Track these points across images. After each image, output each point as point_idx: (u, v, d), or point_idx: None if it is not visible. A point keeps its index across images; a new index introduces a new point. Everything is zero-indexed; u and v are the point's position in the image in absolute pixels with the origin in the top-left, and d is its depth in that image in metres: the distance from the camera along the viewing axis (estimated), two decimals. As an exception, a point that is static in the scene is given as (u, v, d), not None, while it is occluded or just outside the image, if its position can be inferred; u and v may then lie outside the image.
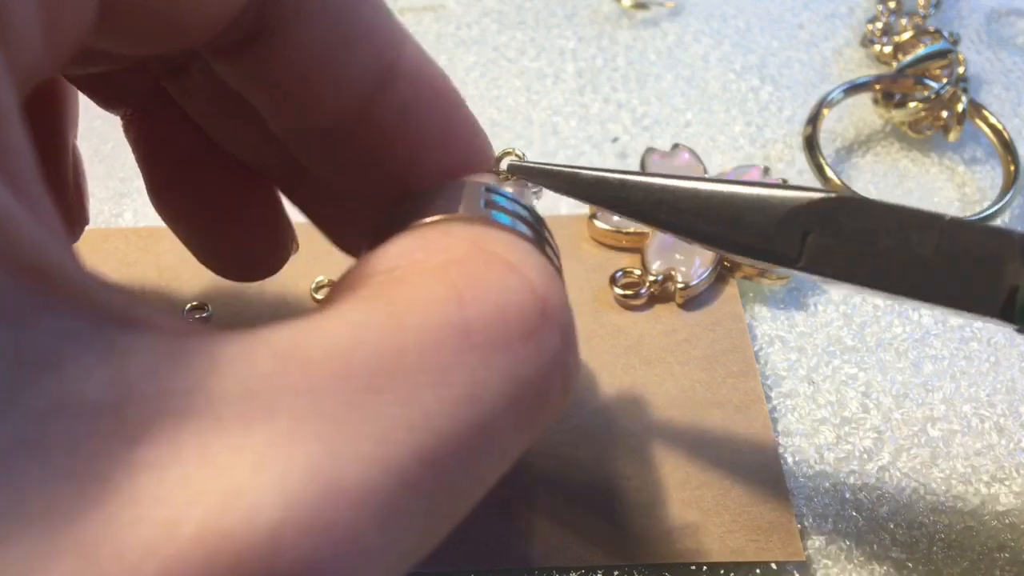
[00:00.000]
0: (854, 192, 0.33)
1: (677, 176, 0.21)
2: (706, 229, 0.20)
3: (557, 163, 0.21)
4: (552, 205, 0.34)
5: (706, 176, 0.20)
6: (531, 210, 0.19)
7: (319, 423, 0.12)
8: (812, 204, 0.20)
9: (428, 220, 0.17)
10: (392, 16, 0.20)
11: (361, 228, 0.21)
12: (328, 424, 0.12)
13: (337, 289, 0.16)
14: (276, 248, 0.25)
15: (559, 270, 0.19)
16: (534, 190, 0.21)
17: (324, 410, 0.12)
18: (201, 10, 0.17)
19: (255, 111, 0.20)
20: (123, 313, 0.12)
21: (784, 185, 0.20)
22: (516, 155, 0.21)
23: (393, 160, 0.20)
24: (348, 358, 0.13)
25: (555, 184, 0.21)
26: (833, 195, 0.20)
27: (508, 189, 0.19)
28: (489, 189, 0.19)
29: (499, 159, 0.21)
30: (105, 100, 0.24)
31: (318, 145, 0.20)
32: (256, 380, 0.12)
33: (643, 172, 0.21)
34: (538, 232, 0.19)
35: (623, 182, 0.21)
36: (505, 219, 0.18)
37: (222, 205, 0.24)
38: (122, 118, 0.24)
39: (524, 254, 0.16)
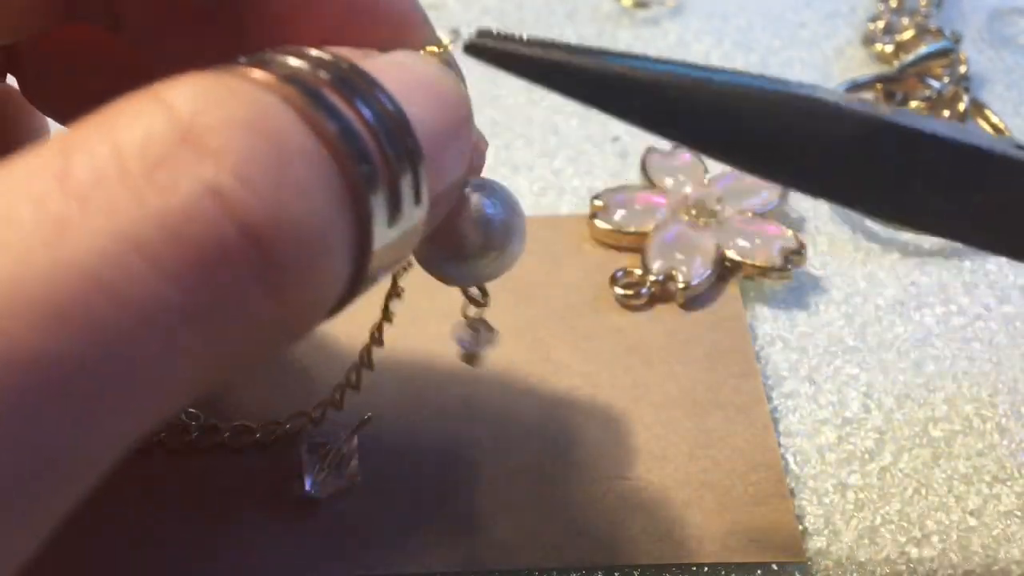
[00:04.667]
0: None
1: (700, 69, 0.17)
2: (734, 148, 0.17)
3: (537, 40, 0.17)
4: (553, 205, 0.33)
5: (739, 74, 0.17)
6: (389, 109, 0.15)
7: None
8: (862, 131, 0.17)
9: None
10: None
11: None
12: None
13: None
14: None
15: (386, 201, 0.15)
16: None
17: None
18: None
19: None
20: None
21: (828, 101, 0.17)
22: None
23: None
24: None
25: (530, 75, 0.17)
26: (882, 120, 0.17)
27: (393, 84, 0.15)
28: (339, 67, 0.15)
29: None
30: None
31: None
32: None
33: (659, 61, 0.17)
34: (372, 137, 0.15)
35: (628, 78, 0.16)
36: (313, 92, 0.14)
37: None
38: None
39: (205, 86, 0.13)
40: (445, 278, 0.21)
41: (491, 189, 0.20)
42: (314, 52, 0.15)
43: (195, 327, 0.12)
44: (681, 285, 0.29)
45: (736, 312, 0.29)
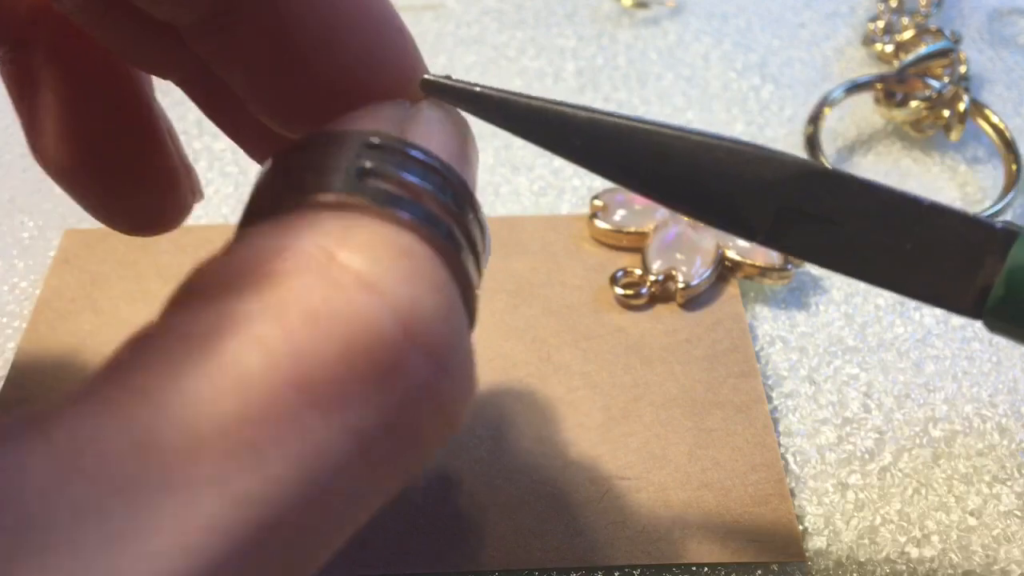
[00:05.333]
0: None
1: (636, 118, 0.18)
2: (664, 186, 0.18)
3: (486, 85, 0.18)
4: (553, 205, 0.33)
5: (671, 124, 0.18)
6: (431, 164, 0.16)
7: (110, 528, 0.11)
8: (790, 175, 0.18)
9: (277, 204, 0.15)
10: None
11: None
12: (128, 526, 0.11)
13: (178, 307, 0.14)
14: (172, 198, 0.23)
15: (468, 249, 0.16)
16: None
17: (116, 512, 0.11)
18: None
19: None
20: None
21: (759, 148, 0.18)
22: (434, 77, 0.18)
23: (290, 61, 0.17)
24: (147, 447, 0.11)
25: (481, 111, 0.18)
26: (811, 166, 0.18)
27: (418, 138, 0.16)
28: (372, 145, 0.15)
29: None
30: None
31: (209, 39, 0.18)
32: (44, 495, 0.11)
33: (595, 110, 0.18)
34: (433, 200, 0.15)
35: (567, 117, 0.17)
36: (379, 194, 0.15)
37: (110, 153, 0.22)
38: None
39: (387, 255, 0.14)
40: None
41: None
42: (411, 174, 0.15)
43: (377, 501, 0.14)
44: (681, 285, 0.29)
45: (736, 312, 0.29)
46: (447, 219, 0.15)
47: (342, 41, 0.17)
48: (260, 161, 0.21)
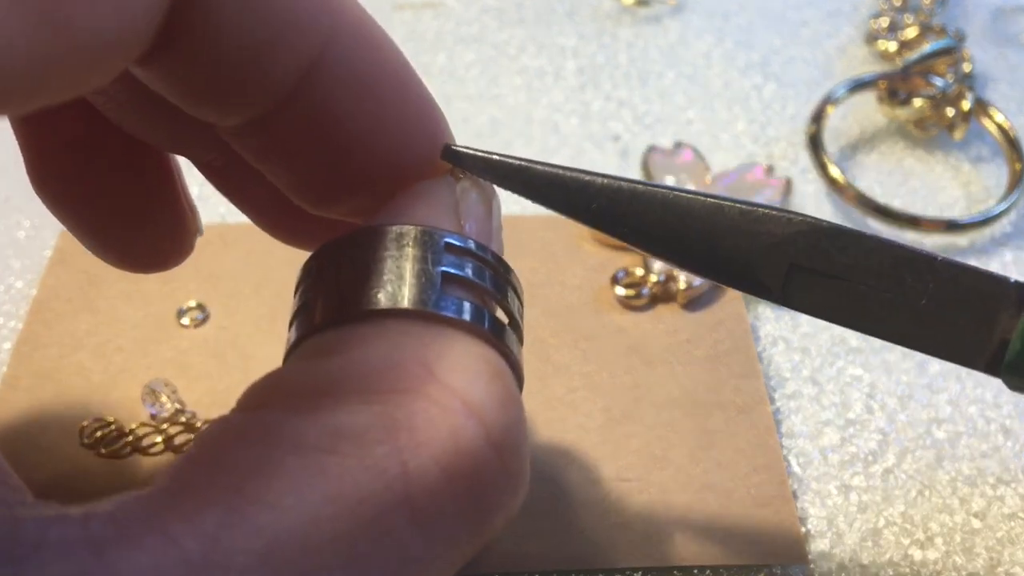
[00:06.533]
0: (859, 191, 0.33)
1: (651, 184, 0.18)
2: (680, 248, 0.18)
3: (507, 154, 0.18)
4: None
5: (684, 188, 0.18)
6: (490, 261, 0.17)
7: None
8: (801, 234, 0.18)
9: (367, 308, 0.15)
10: None
11: (310, 228, 0.20)
12: None
13: (255, 415, 0.14)
14: (176, 236, 0.23)
15: (518, 338, 0.17)
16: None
17: None
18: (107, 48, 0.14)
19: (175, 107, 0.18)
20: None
21: (770, 208, 0.18)
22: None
23: (333, 151, 0.18)
24: (271, 556, 0.12)
25: (502, 180, 0.18)
26: (824, 224, 0.18)
27: (469, 238, 0.17)
28: (450, 247, 0.16)
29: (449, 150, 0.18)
30: None
31: (250, 136, 0.18)
32: None
33: (611, 176, 0.18)
34: (494, 299, 0.16)
35: (584, 183, 0.18)
36: (465, 307, 0.16)
37: (113, 191, 0.22)
38: None
39: (483, 376, 0.15)
40: None
41: None
42: (483, 279, 0.17)
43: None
44: (682, 285, 0.29)
45: (738, 312, 0.29)
46: (504, 316, 0.17)
47: (386, 128, 0.18)
48: (273, 231, 0.22)
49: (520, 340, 0.17)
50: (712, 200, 0.18)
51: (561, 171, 0.18)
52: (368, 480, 0.13)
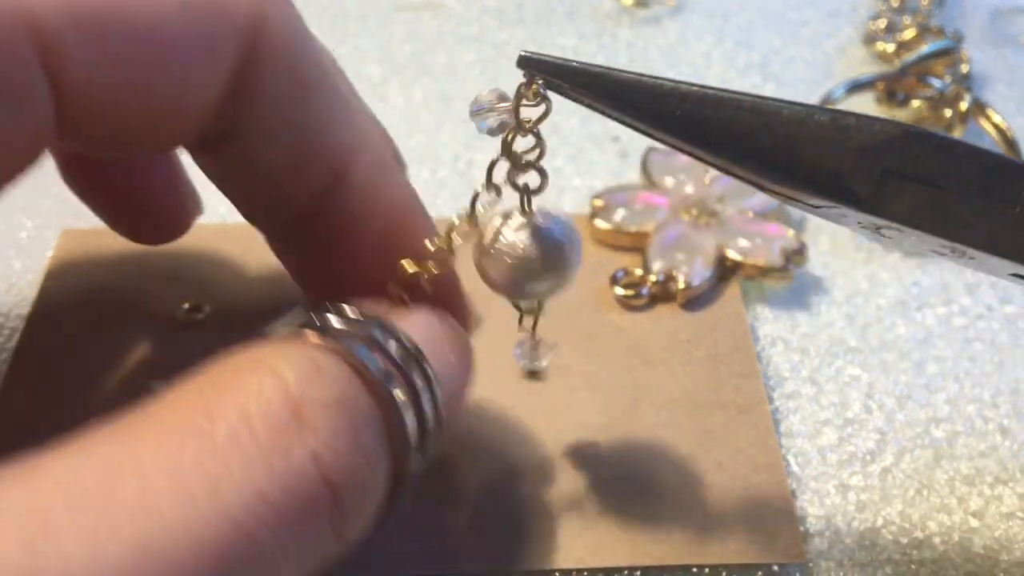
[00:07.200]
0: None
1: (736, 92, 0.18)
2: (766, 156, 0.18)
3: (584, 61, 0.18)
4: (553, 204, 0.33)
5: (770, 97, 0.18)
6: (408, 348, 0.19)
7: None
8: (893, 139, 0.17)
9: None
10: (350, 125, 0.21)
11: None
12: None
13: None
14: (179, 215, 0.27)
15: (393, 381, 0.18)
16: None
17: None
18: (162, 129, 0.20)
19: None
20: None
21: (861, 115, 0.18)
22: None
23: (342, 254, 0.22)
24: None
25: (581, 88, 0.18)
26: (914, 129, 0.18)
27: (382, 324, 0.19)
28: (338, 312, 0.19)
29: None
30: None
31: (280, 228, 0.23)
32: None
33: (694, 83, 0.18)
34: (396, 368, 0.18)
35: (668, 90, 0.18)
36: (334, 330, 0.18)
37: (126, 179, 0.26)
38: None
39: (296, 357, 0.17)
40: (510, 295, 0.23)
41: (554, 217, 0.22)
42: (370, 321, 0.19)
43: (291, 559, 0.15)
44: (682, 285, 0.29)
45: (737, 312, 0.29)
46: (403, 387, 0.18)
47: (394, 235, 0.22)
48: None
49: (426, 435, 0.19)
50: (800, 106, 0.18)
51: (641, 77, 0.18)
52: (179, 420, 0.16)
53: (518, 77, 0.19)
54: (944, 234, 0.18)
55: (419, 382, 0.19)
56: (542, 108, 0.19)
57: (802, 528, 0.25)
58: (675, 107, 0.18)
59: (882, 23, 0.40)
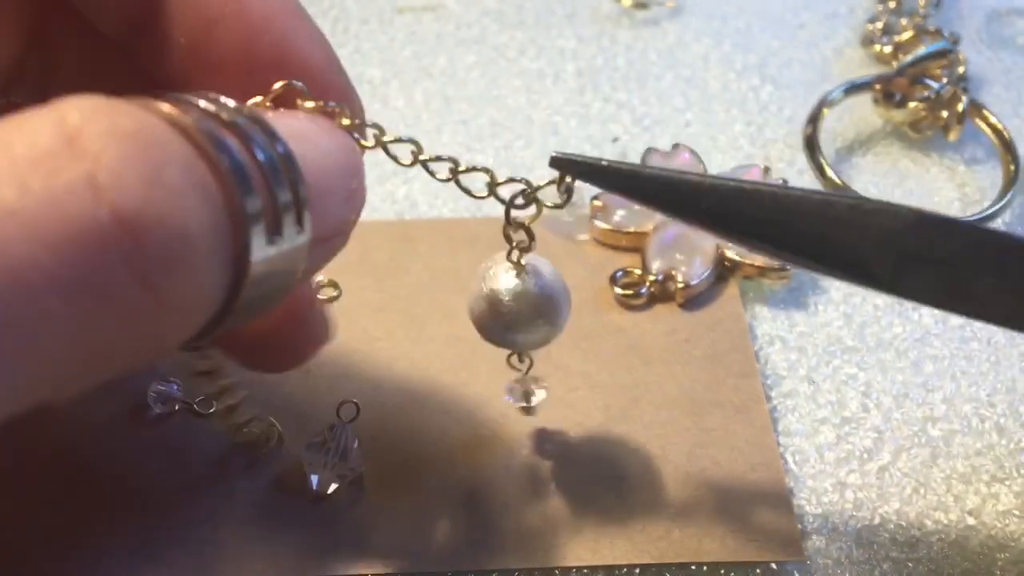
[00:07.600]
0: (856, 192, 0.33)
1: (757, 182, 0.19)
2: (790, 244, 0.19)
3: (614, 160, 0.19)
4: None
5: (779, 183, 0.19)
6: (270, 130, 0.17)
7: None
8: (909, 225, 0.19)
9: None
10: None
11: None
12: None
13: None
14: (306, 340, 0.23)
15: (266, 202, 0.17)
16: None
17: None
18: None
19: None
20: None
21: (877, 201, 0.19)
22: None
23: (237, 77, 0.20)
24: None
25: (612, 185, 0.19)
26: (927, 215, 0.19)
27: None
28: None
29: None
30: None
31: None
32: None
33: (717, 176, 0.20)
34: (247, 150, 0.17)
35: (693, 186, 0.19)
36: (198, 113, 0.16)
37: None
38: None
39: (91, 100, 0.15)
40: (503, 345, 0.23)
41: (539, 271, 0.22)
42: (223, 99, 0.17)
43: (64, 295, 0.14)
44: (680, 285, 0.29)
45: (735, 312, 0.30)
46: (257, 185, 0.16)
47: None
48: None
49: (275, 226, 0.17)
50: (820, 196, 0.19)
51: (669, 174, 0.19)
52: None
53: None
54: (961, 312, 0.19)
55: (260, 137, 0.17)
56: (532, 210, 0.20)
57: (800, 526, 0.25)
58: (702, 201, 0.19)
59: (879, 25, 0.40)
